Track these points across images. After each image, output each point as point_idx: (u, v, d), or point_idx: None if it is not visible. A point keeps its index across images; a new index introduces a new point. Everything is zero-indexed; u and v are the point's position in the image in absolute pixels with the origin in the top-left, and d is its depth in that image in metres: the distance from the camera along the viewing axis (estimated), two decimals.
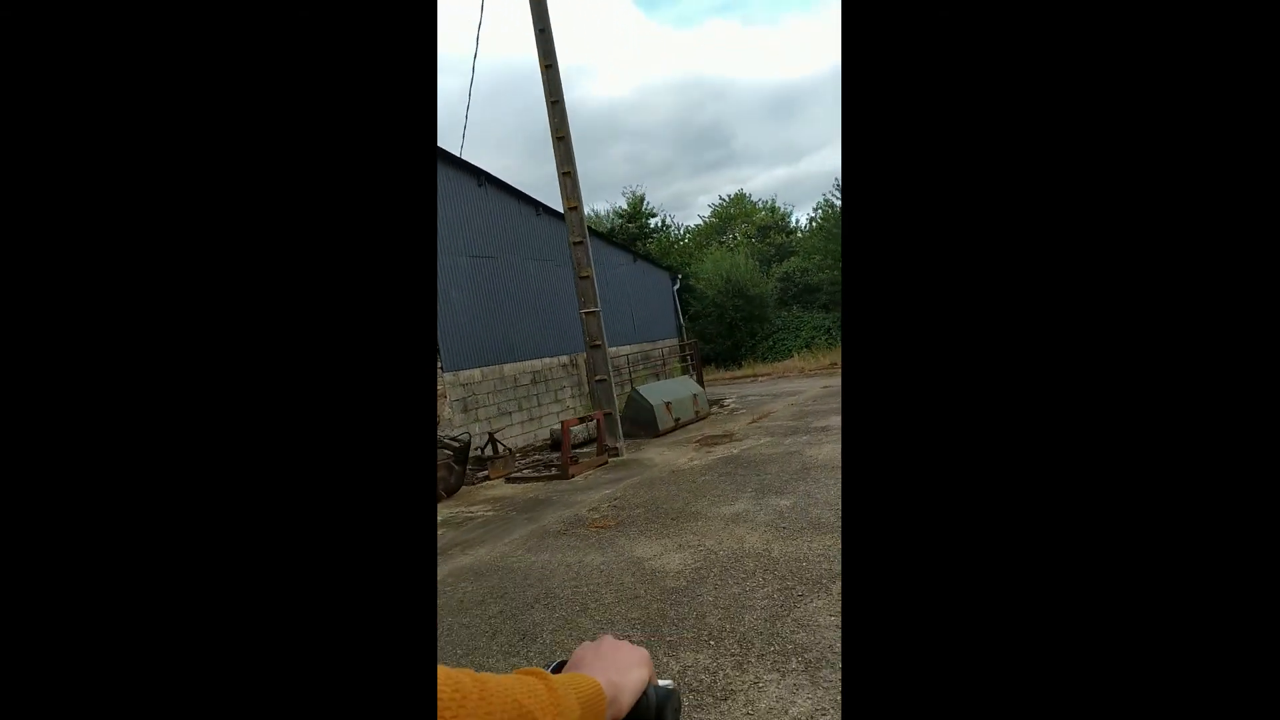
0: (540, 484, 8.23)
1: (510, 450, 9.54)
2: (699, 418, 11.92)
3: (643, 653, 0.63)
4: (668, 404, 11.18)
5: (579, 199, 9.28)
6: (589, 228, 9.43)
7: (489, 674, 0.45)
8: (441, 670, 0.39)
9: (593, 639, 0.66)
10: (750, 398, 14.72)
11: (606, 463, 8.77)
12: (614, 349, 14.36)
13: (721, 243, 29.88)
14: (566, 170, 9.19)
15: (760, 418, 11.13)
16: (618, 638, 0.65)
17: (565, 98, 9.07)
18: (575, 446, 10.04)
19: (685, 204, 66.04)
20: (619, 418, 10.99)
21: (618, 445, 9.25)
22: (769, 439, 8.90)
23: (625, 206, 29.07)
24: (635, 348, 15.15)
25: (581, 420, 8.93)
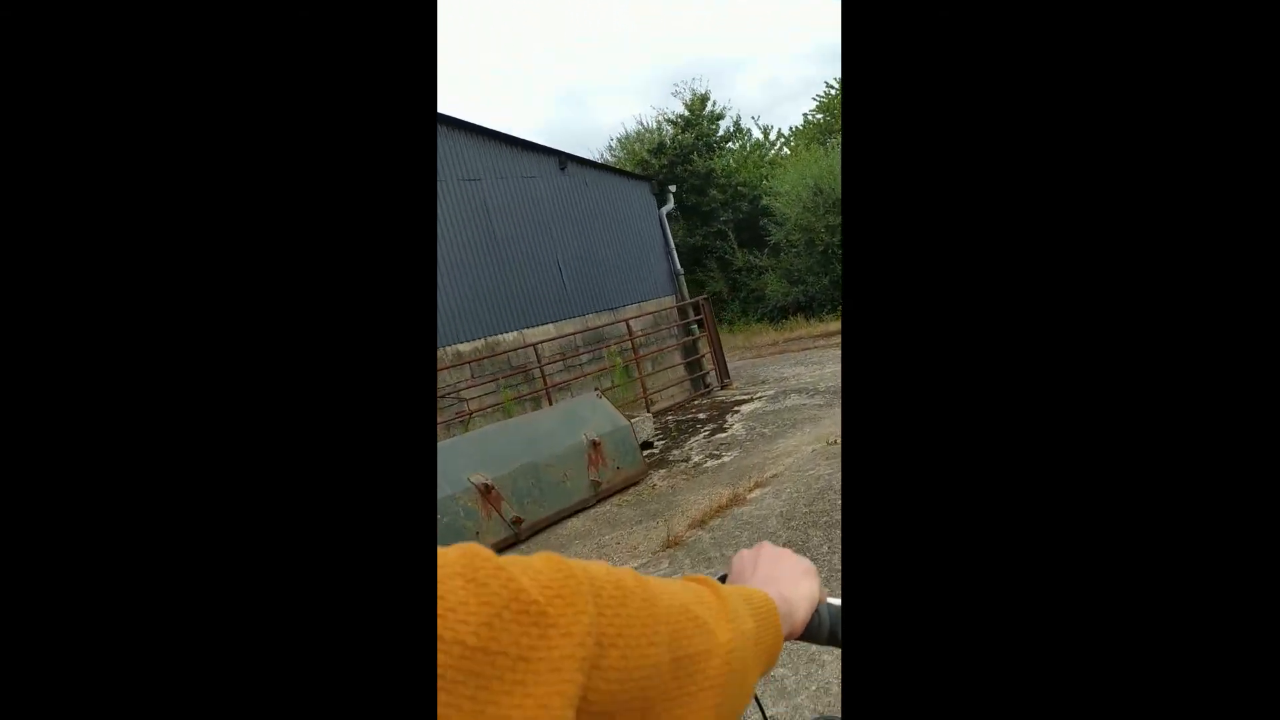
0: None
1: None
2: (601, 494, 5.28)
3: (808, 563, 0.60)
4: (485, 488, 4.61)
5: None
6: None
7: (654, 577, 0.43)
8: (603, 567, 0.38)
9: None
10: (790, 400, 7.78)
11: None
12: (529, 331, 7.88)
13: (834, 146, 21.89)
14: None
15: (718, 512, 4.34)
16: (776, 545, 0.62)
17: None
18: None
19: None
20: None
21: None
22: None
23: (682, 112, 21.82)
24: (566, 329, 8.29)
25: None
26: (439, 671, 0.28)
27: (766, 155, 22.42)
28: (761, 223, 19.12)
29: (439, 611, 0.29)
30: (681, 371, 9.70)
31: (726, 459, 5.90)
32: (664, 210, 9.79)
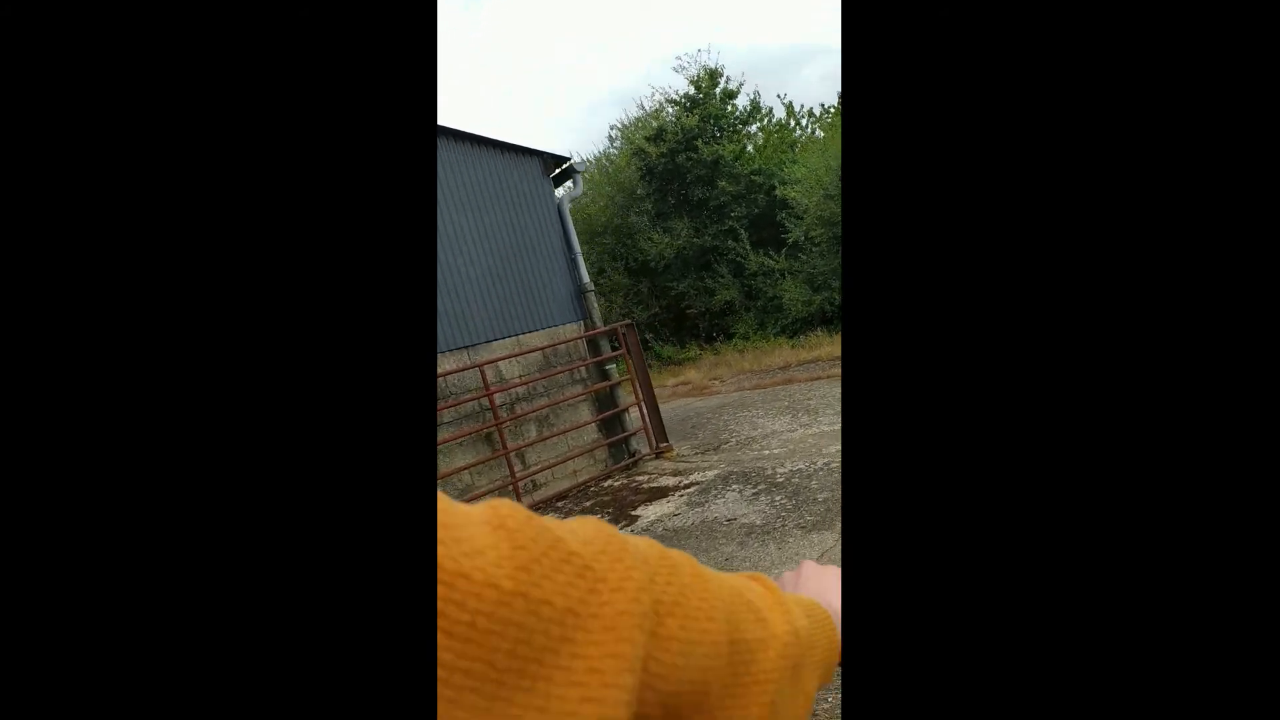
0: None
1: None
2: None
3: None
4: None
5: None
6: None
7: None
8: (656, 545, 0.35)
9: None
10: (723, 501, 4.68)
11: None
12: None
13: None
14: None
15: None
16: (821, 563, 0.55)
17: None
18: None
19: None
20: None
21: None
22: None
23: (688, 90, 18.51)
24: None
25: None
26: (469, 620, 0.24)
27: (791, 137, 18.99)
28: (779, 216, 15.78)
29: (464, 551, 0.25)
30: (593, 434, 6.58)
31: None
32: (563, 195, 6.67)
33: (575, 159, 6.58)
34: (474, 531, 0.26)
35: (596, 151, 21.53)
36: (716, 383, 12.74)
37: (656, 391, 13.84)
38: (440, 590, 0.24)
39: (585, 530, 0.31)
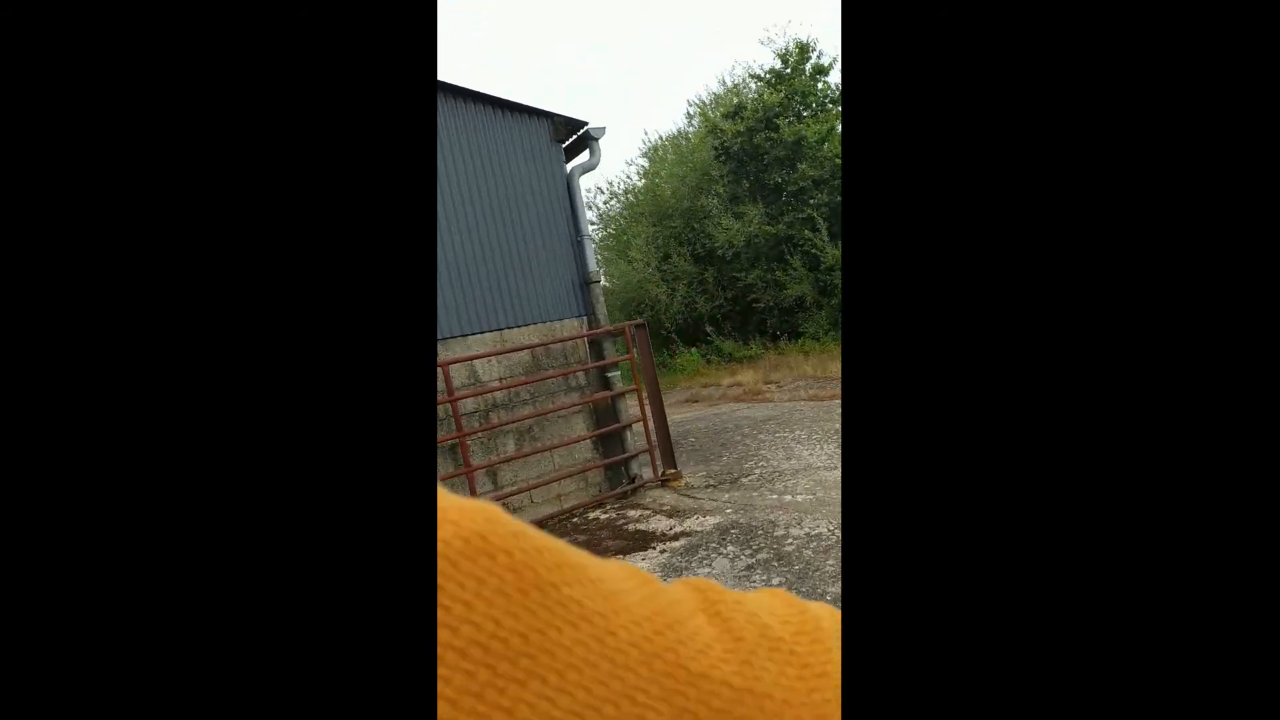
0: None
1: None
2: None
3: None
4: None
5: None
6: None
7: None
8: (835, 615, 0.35)
9: None
10: (709, 569, 3.50)
11: None
12: None
13: None
14: None
15: None
16: None
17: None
18: None
19: None
20: None
21: None
22: None
23: (775, 64, 16.97)
24: None
25: None
26: None
27: None
28: None
29: (698, 649, 0.26)
30: (587, 452, 5.56)
31: None
32: (574, 167, 5.62)
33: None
34: (696, 625, 0.27)
35: (672, 131, 20.27)
36: (772, 387, 11.49)
37: (707, 391, 12.65)
38: (690, 691, 0.25)
39: (777, 606, 0.31)
